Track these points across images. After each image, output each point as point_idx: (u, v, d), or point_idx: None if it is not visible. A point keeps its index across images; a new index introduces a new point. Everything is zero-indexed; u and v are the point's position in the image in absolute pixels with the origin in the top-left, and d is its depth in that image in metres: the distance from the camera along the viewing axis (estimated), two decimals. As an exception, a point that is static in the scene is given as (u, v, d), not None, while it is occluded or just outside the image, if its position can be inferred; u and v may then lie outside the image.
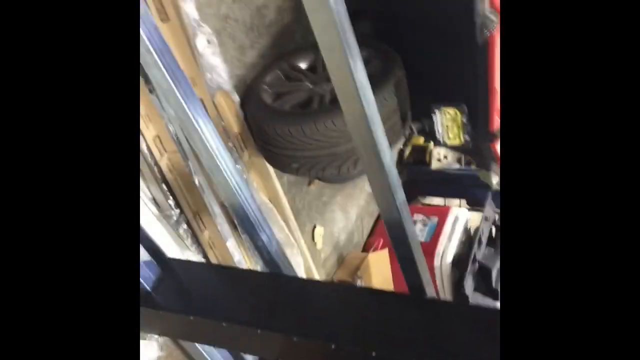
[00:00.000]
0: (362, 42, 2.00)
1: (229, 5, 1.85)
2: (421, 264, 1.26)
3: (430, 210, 3.04)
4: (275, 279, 1.42)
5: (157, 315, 1.47)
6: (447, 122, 1.78)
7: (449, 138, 1.80)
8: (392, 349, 1.13)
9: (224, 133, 1.86)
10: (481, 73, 1.68)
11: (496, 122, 1.73)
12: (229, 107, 1.86)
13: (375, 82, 1.80)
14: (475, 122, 1.74)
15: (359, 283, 2.59)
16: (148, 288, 1.43)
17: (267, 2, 2.03)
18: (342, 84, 0.85)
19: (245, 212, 1.33)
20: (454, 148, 1.87)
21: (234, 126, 1.89)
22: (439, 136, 1.83)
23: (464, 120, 1.75)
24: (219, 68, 1.80)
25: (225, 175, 1.24)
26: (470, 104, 1.74)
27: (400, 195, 1.06)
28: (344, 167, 1.81)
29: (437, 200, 3.40)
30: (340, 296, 1.30)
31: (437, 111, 1.79)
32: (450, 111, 1.77)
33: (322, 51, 0.80)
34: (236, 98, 1.89)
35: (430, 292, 1.27)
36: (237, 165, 1.83)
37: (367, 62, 1.89)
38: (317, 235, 2.50)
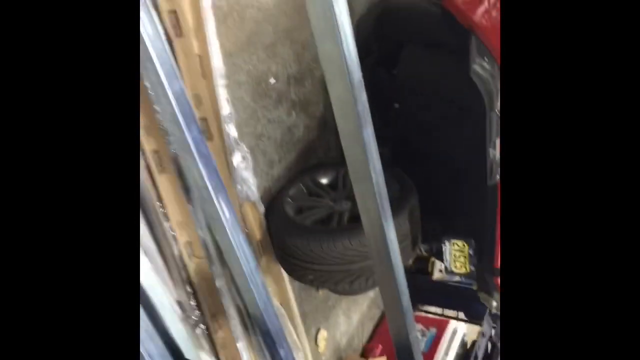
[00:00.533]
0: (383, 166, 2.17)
1: (264, 125, 2.04)
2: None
3: (429, 320, 3.14)
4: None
5: None
6: (455, 252, 1.93)
7: (455, 267, 1.94)
8: None
9: (248, 241, 2.00)
10: (489, 212, 1.84)
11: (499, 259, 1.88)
12: (254, 216, 2.01)
13: (393, 207, 1.95)
14: (481, 256, 1.89)
15: (357, 390, 2.65)
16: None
17: (297, 121, 2.23)
18: (368, 211, 1.00)
19: (267, 327, 1.44)
20: (459, 275, 2.00)
21: (257, 234, 2.04)
22: (446, 264, 1.97)
23: (471, 252, 1.89)
24: (249, 181, 1.96)
25: (256, 292, 1.37)
26: (477, 238, 1.89)
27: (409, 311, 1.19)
28: (356, 283, 1.94)
29: (434, 309, 3.48)
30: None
31: (446, 242, 1.94)
32: (459, 243, 1.92)
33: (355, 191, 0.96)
34: (262, 208, 2.04)
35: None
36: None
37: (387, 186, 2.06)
38: (321, 338, 2.58)
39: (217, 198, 1.14)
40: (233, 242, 1.23)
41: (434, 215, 2.19)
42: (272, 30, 2.01)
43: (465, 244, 1.90)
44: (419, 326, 3.06)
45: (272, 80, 2.05)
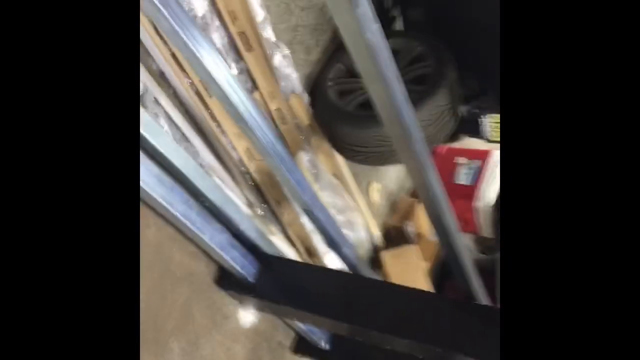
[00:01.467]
0: (417, 36, 2.23)
1: (298, 15, 2.05)
2: (471, 272, 1.58)
3: (473, 153, 3.30)
4: (355, 278, 1.77)
5: (259, 303, 1.85)
6: (493, 124, 2.02)
7: (494, 136, 2.05)
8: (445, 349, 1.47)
9: (298, 129, 2.14)
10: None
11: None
12: (300, 106, 2.12)
13: (430, 84, 2.03)
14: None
15: (409, 228, 2.94)
16: (251, 280, 1.79)
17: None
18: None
19: (328, 231, 1.65)
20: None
21: (304, 120, 2.17)
22: (485, 135, 2.08)
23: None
24: (292, 76, 2.05)
25: (316, 208, 1.56)
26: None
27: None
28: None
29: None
30: (409, 299, 1.64)
31: (483, 118, 2.03)
32: (496, 116, 2.01)
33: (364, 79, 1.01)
34: (306, 97, 2.14)
35: (480, 298, 1.60)
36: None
37: (422, 59, 2.12)
38: (374, 190, 2.82)
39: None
40: (266, 144, 1.36)
41: (473, 77, 2.24)
42: None
43: (502, 117, 1.99)
44: (464, 159, 3.24)
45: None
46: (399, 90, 1.02)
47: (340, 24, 0.89)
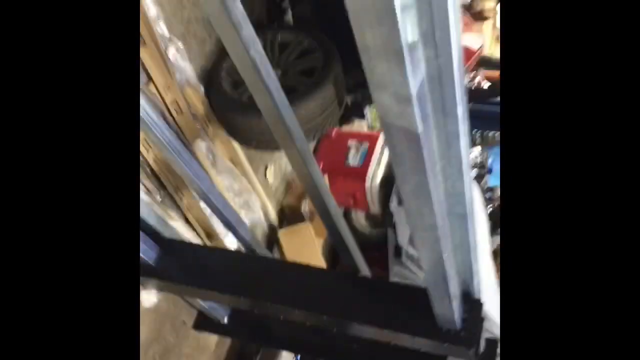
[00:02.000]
0: (305, 30, 2.38)
1: (190, 9, 2.14)
2: (353, 249, 1.78)
3: (362, 136, 3.53)
4: (252, 258, 1.93)
5: (160, 284, 1.97)
6: (375, 113, 2.24)
7: (376, 124, 2.27)
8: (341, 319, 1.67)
9: (195, 118, 2.25)
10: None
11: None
12: (196, 97, 2.23)
13: (318, 77, 2.20)
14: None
15: (304, 208, 3.13)
16: (152, 263, 1.90)
17: (220, -7, 2.31)
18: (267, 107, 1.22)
19: (225, 216, 1.79)
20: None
21: (200, 110, 2.28)
22: (369, 122, 2.29)
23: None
24: (186, 68, 2.14)
25: (213, 195, 1.69)
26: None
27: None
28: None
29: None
30: (299, 274, 1.82)
31: (368, 107, 2.24)
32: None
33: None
34: (201, 89, 2.25)
35: (364, 270, 1.81)
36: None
37: (310, 52, 2.29)
38: (269, 173, 2.98)
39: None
40: (161, 137, 1.48)
41: (356, 68, 2.44)
42: None
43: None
44: (354, 142, 3.47)
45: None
46: (279, 98, 1.17)
47: (228, 45, 1.02)
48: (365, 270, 1.84)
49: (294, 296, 1.75)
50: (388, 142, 0.91)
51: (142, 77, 1.97)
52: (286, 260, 2.68)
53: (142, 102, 1.40)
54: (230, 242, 2.51)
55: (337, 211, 1.58)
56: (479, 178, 4.38)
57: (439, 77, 0.92)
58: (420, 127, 0.81)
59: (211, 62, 2.32)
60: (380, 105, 0.81)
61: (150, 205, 2.01)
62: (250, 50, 1.01)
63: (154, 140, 1.47)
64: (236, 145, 2.52)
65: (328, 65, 2.21)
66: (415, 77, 0.75)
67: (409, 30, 0.68)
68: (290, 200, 3.20)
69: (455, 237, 1.25)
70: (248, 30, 0.99)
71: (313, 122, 2.18)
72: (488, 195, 5.66)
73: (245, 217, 2.78)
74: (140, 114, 1.34)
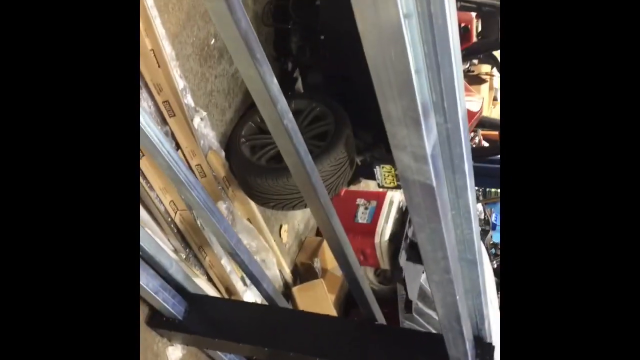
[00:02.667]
0: (316, 97, 2.56)
1: (212, 82, 2.34)
2: (370, 297, 1.90)
3: (369, 194, 3.69)
4: (272, 310, 2.05)
5: (186, 338, 2.08)
6: (385, 173, 2.40)
7: (386, 183, 2.43)
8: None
9: (216, 181, 2.41)
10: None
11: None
12: (217, 161, 2.40)
13: (331, 141, 2.37)
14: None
15: (316, 264, 3.26)
16: (180, 318, 2.02)
17: (235, 67, 2.52)
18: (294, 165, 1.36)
19: (250, 270, 1.93)
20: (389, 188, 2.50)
21: (221, 173, 2.45)
22: (379, 181, 2.45)
23: (397, 172, 2.38)
24: (209, 135, 2.33)
25: (240, 251, 1.83)
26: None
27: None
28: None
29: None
30: (317, 323, 1.94)
31: (377, 167, 2.40)
32: (387, 166, 2.39)
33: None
34: (222, 153, 2.43)
35: (380, 319, 1.92)
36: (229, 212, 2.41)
37: (322, 118, 2.47)
38: (283, 232, 3.12)
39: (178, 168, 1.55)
40: (199, 199, 1.64)
41: (366, 131, 2.62)
42: (206, -3, 2.24)
43: (392, 167, 2.37)
44: (362, 200, 3.62)
45: (212, 41, 2.32)
46: (307, 160, 1.33)
47: (265, 115, 1.20)
48: (381, 319, 1.95)
49: (314, 344, 1.87)
50: (406, 194, 1.07)
51: (173, 146, 2.15)
52: (302, 310, 2.79)
53: (182, 165, 1.57)
54: (248, 298, 2.63)
55: (355, 261, 1.72)
56: (483, 234, 4.49)
57: (447, 138, 1.09)
58: (434, 181, 0.97)
59: (231, 129, 2.51)
60: (401, 163, 0.97)
61: (177, 262, 2.15)
62: (284, 120, 1.18)
63: (191, 201, 1.63)
64: (254, 205, 2.67)
65: (339, 130, 2.38)
66: (430, 140, 0.91)
67: (423, 101, 0.85)
68: (303, 257, 3.33)
69: (466, 281, 1.39)
70: (282, 104, 1.16)
71: (327, 182, 2.33)
72: (492, 250, 5.76)
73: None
74: (181, 177, 1.51)
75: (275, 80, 1.13)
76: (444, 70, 0.95)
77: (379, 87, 0.83)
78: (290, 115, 1.22)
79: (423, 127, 0.87)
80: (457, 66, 0.97)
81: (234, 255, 1.84)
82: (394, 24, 0.72)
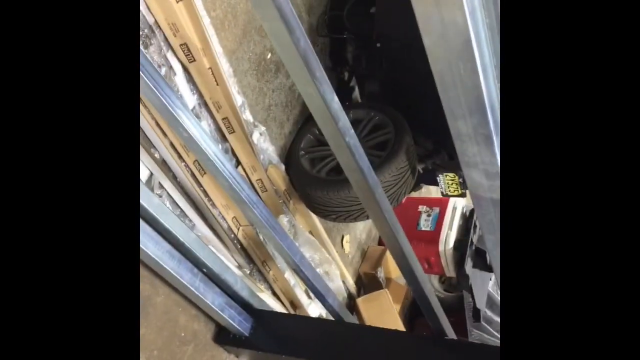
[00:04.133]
0: (375, 106, 2.51)
1: (270, 96, 2.34)
2: (438, 311, 1.84)
3: (432, 201, 3.62)
4: (338, 325, 2.02)
5: (254, 354, 2.07)
6: (448, 181, 2.34)
7: (450, 191, 2.37)
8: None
9: (277, 194, 2.41)
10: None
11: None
12: (278, 175, 2.40)
13: (391, 150, 2.33)
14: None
15: (379, 274, 3.21)
16: (247, 334, 2.02)
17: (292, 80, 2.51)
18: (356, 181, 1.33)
19: (316, 287, 1.90)
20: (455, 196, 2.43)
21: (282, 186, 2.44)
22: (442, 190, 2.39)
23: (461, 180, 2.31)
24: (269, 149, 2.33)
25: (304, 267, 1.81)
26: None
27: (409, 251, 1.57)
28: (371, 214, 2.38)
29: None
30: (386, 339, 1.89)
31: (440, 176, 2.34)
32: (450, 174, 2.33)
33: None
34: (282, 167, 2.42)
35: (450, 333, 1.86)
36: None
37: (382, 127, 2.43)
38: (345, 243, 3.09)
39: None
40: (261, 218, 1.63)
41: (426, 138, 2.57)
42: (260, 12, 2.24)
43: (456, 175, 2.31)
44: (424, 207, 3.56)
45: (269, 55, 2.32)
46: (370, 175, 1.29)
47: (327, 133, 1.17)
48: (451, 333, 1.89)
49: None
50: (478, 212, 1.02)
51: (232, 161, 2.16)
52: (369, 325, 2.75)
53: (243, 183, 1.57)
54: (313, 311, 2.61)
55: (421, 272, 1.67)
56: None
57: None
58: (506, 199, 0.91)
59: (289, 142, 2.50)
60: (472, 180, 0.93)
61: (242, 279, 2.15)
62: (346, 137, 1.15)
63: (253, 219, 1.62)
64: (315, 218, 2.65)
65: (399, 138, 2.34)
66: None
67: (495, 117, 0.80)
68: (366, 267, 3.29)
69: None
70: (344, 121, 1.13)
71: (389, 192, 2.29)
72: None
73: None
74: (242, 196, 1.50)
75: (335, 98, 1.10)
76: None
77: (447, 105, 0.79)
78: (352, 131, 1.18)
79: (495, 143, 0.82)
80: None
81: (297, 272, 1.82)
82: (463, 38, 0.68)
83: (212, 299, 1.82)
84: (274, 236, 1.68)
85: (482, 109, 0.77)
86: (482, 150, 0.83)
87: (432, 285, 4.14)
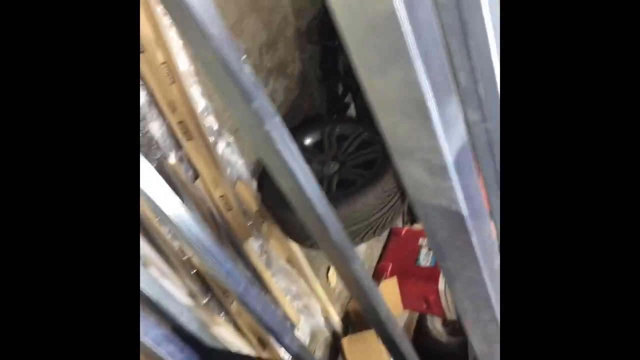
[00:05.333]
0: (365, 122, 2.24)
1: (242, 103, 2.07)
2: (403, 343, 1.52)
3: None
4: (297, 371, 1.70)
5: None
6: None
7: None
8: None
9: (246, 215, 2.11)
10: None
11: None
12: (248, 193, 2.11)
13: (377, 169, 2.04)
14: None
15: (371, 312, 2.88)
16: (192, 376, 1.70)
17: (275, 87, 2.25)
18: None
19: (267, 324, 1.60)
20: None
21: (253, 206, 2.15)
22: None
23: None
24: (237, 163, 2.04)
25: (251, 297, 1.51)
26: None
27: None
28: (352, 240, 2.07)
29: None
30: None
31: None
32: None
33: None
34: (253, 184, 2.13)
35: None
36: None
37: (370, 144, 2.14)
38: (331, 274, 2.77)
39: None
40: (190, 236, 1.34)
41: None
42: (235, 8, 1.99)
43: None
44: (425, 241, 3.23)
45: (243, 56, 2.05)
46: (310, 184, 0.99)
47: (238, 120, 0.88)
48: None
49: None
50: (425, 227, 0.71)
51: (190, 173, 1.88)
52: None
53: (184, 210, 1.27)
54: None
55: (389, 316, 1.35)
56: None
57: (489, 144, 0.73)
58: (464, 207, 0.61)
59: (266, 156, 2.22)
60: (408, 177, 0.62)
61: (193, 310, 1.85)
62: (265, 125, 0.85)
63: (178, 234, 1.33)
64: (294, 244, 2.35)
65: (387, 157, 2.04)
66: (451, 140, 0.56)
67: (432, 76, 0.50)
68: (355, 304, 2.96)
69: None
70: (261, 102, 0.84)
71: (372, 217, 1.99)
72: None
73: (305, 323, 2.56)
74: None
75: (249, 68, 0.81)
76: (474, 33, 0.61)
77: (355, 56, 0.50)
78: (278, 119, 0.88)
79: (435, 118, 0.52)
80: (496, 30, 0.62)
81: (244, 304, 1.51)
82: None
83: (145, 330, 1.52)
84: (207, 257, 1.39)
85: (406, 55, 0.48)
86: (416, 128, 0.53)
87: (434, 328, 3.78)
